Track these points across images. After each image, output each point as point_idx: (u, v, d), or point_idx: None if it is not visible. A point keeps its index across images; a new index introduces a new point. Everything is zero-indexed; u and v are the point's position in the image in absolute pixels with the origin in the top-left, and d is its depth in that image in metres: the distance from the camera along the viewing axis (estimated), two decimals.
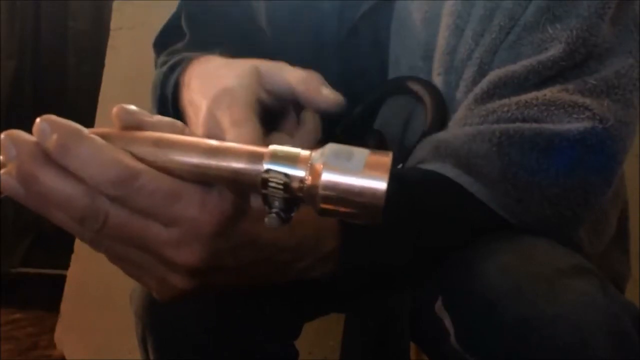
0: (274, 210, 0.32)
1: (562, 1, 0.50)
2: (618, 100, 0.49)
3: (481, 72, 0.52)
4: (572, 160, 0.47)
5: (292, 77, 0.47)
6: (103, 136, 0.32)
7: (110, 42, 1.51)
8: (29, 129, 0.32)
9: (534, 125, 0.47)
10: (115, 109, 0.34)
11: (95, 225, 0.32)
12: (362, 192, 0.30)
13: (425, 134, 0.53)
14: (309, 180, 0.31)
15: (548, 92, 0.48)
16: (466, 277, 0.45)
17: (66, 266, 1.53)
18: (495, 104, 0.49)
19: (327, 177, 0.30)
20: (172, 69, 0.57)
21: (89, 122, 1.36)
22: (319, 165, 0.30)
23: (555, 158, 0.47)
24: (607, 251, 0.59)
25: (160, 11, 0.76)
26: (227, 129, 0.42)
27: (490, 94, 0.50)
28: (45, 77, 2.09)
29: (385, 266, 0.46)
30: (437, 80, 0.56)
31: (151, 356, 0.55)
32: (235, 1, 0.66)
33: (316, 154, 0.31)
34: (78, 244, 1.51)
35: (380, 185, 0.30)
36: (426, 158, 0.50)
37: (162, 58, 0.63)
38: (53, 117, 0.31)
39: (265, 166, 0.31)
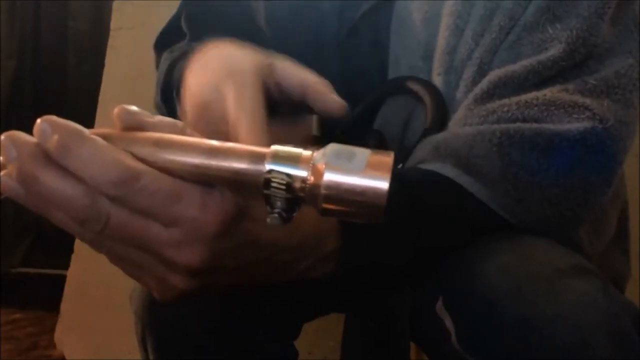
0: (276, 210, 0.32)
1: (562, 1, 0.50)
2: (618, 100, 0.49)
3: (481, 72, 0.52)
4: (572, 160, 0.47)
5: (306, 76, 0.49)
6: (104, 137, 0.32)
7: (110, 42, 1.51)
8: (29, 129, 0.32)
9: (534, 125, 0.47)
10: (116, 110, 0.34)
11: (96, 225, 0.32)
12: (364, 192, 0.30)
13: (425, 134, 0.53)
14: (311, 180, 0.31)
15: (548, 92, 0.48)
16: (466, 277, 0.45)
17: (66, 266, 1.53)
18: (495, 104, 0.50)
19: (329, 177, 0.30)
20: (181, 58, 0.57)
21: (89, 122, 1.36)
22: (321, 165, 0.30)
23: (555, 158, 0.47)
24: (607, 251, 0.59)
25: (160, 11, 0.76)
26: (231, 104, 0.43)
27: (490, 94, 0.50)
28: (45, 77, 2.10)
29: (386, 266, 0.46)
30: (437, 80, 0.56)
31: (151, 356, 0.55)
32: (235, 1, 0.66)
33: (318, 154, 0.31)
34: (78, 244, 1.51)
35: (382, 185, 0.30)
36: (426, 158, 0.50)
37: (164, 55, 0.63)
38: (54, 117, 0.31)
39: (267, 166, 0.31)
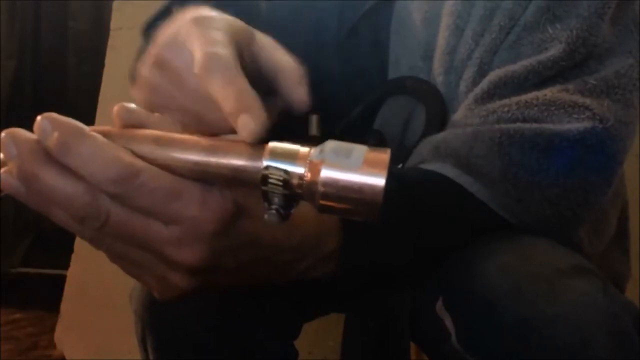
0: (274, 206, 0.32)
1: (562, 1, 0.50)
2: (618, 100, 0.49)
3: (481, 72, 0.52)
4: (572, 160, 0.47)
5: (285, 59, 0.44)
6: (103, 134, 0.32)
7: (110, 42, 1.51)
8: (29, 129, 0.31)
9: (534, 125, 0.47)
10: (116, 108, 0.34)
11: (96, 223, 0.32)
12: (361, 189, 0.30)
13: (425, 134, 0.53)
14: (308, 177, 0.31)
15: (548, 92, 0.48)
16: (466, 277, 0.45)
17: (66, 266, 1.53)
18: (496, 104, 0.50)
19: (326, 173, 0.30)
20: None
21: (89, 122, 1.35)
22: (318, 162, 0.30)
23: (555, 158, 0.47)
24: (607, 251, 0.59)
25: None
26: (197, 48, 0.37)
27: (490, 94, 0.50)
28: (45, 77, 2.10)
29: (386, 266, 0.46)
30: (437, 80, 0.56)
31: (151, 356, 0.55)
32: (235, 1, 0.66)
33: (315, 150, 0.31)
34: (78, 243, 1.51)
35: (379, 181, 0.30)
36: (426, 158, 0.50)
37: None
38: (54, 115, 0.31)
39: (265, 163, 0.31)
